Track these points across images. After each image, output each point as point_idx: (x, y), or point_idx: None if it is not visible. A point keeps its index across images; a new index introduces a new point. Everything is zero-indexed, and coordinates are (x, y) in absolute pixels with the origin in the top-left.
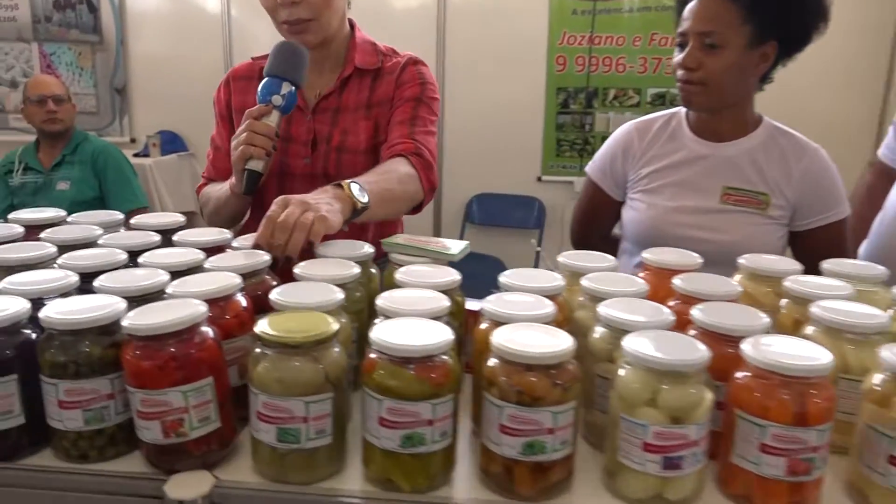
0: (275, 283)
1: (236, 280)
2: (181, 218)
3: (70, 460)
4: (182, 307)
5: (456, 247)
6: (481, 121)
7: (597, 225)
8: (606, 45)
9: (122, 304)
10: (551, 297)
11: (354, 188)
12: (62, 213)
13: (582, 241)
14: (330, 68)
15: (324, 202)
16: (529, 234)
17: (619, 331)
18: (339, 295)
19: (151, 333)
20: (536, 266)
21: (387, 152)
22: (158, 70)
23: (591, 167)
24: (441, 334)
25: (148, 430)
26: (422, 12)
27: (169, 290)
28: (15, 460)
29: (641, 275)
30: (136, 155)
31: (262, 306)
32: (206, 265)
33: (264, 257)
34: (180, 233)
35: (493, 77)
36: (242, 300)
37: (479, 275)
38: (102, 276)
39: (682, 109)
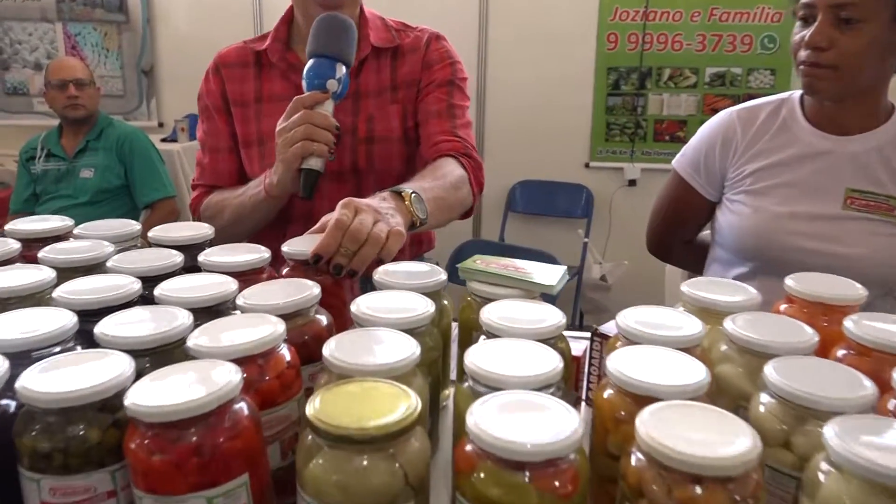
0: (325, 321)
1: (279, 328)
2: (209, 231)
3: None
4: (208, 375)
5: (551, 275)
6: (525, 102)
7: (682, 228)
8: (662, 22)
9: (129, 366)
10: (687, 350)
11: (415, 200)
12: (68, 222)
13: (661, 246)
14: None
15: (390, 214)
16: (576, 224)
17: (798, 408)
18: (416, 350)
19: (166, 420)
20: (583, 257)
21: (431, 150)
22: (187, 51)
23: (679, 161)
24: (565, 423)
25: None
26: None
27: (190, 342)
28: None
29: (782, 308)
30: (164, 140)
31: (309, 355)
32: (240, 301)
33: (314, 291)
34: (207, 252)
35: (538, 56)
36: (286, 353)
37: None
38: (106, 322)
39: (794, 94)
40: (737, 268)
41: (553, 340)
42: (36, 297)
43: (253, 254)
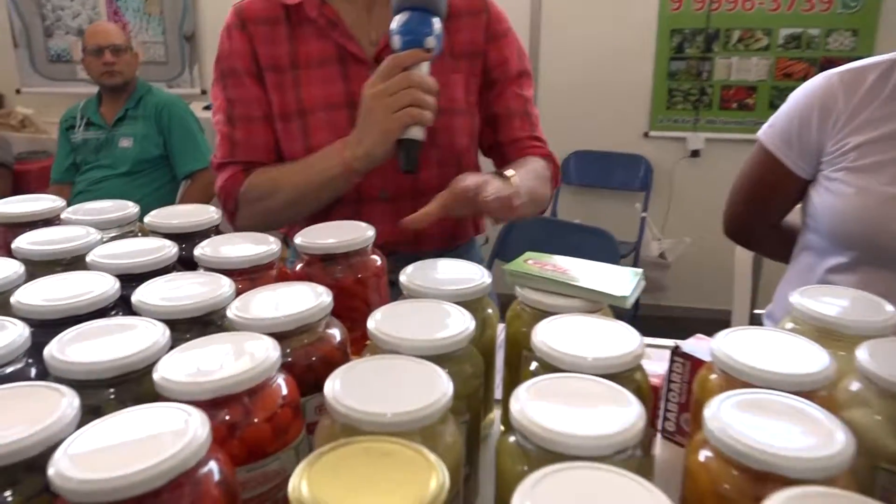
0: (338, 337)
1: (272, 354)
2: (216, 215)
3: None
4: (167, 428)
5: (622, 282)
6: (581, 67)
7: (767, 210)
8: None
9: (71, 409)
10: (808, 395)
11: (517, 182)
12: (59, 203)
13: (741, 229)
14: (383, 2)
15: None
16: (633, 198)
17: None
18: (447, 391)
19: (98, 501)
20: (641, 233)
21: (517, 153)
22: None
23: (767, 132)
24: None
25: None
26: None
27: (157, 375)
28: None
29: None
30: (206, 108)
31: (317, 381)
32: (230, 314)
33: (325, 300)
34: (205, 245)
35: (596, 17)
36: (283, 386)
37: (585, 249)
38: (62, 340)
39: None
40: (833, 257)
41: (628, 373)
42: None
43: (260, 246)
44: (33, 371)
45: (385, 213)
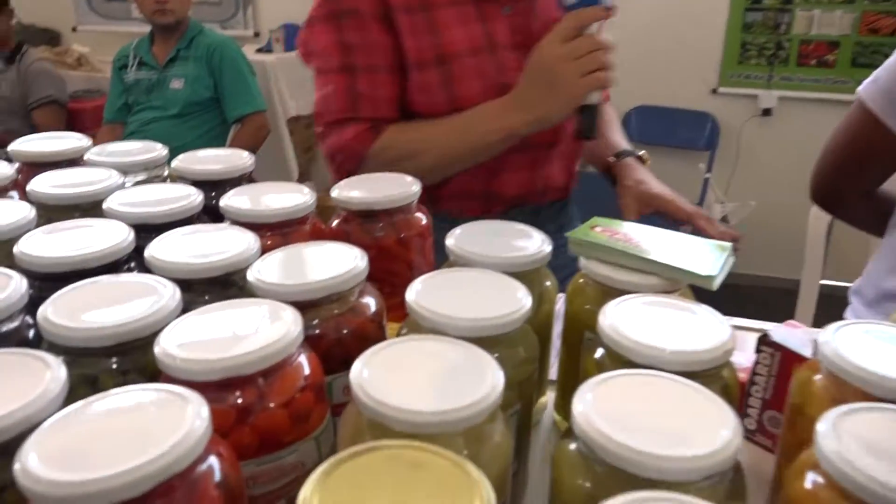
0: (373, 307)
1: (293, 329)
2: (249, 161)
3: None
4: (161, 416)
5: (706, 258)
6: (648, 16)
7: (862, 176)
8: None
9: (56, 381)
10: None
11: None
12: (85, 142)
13: (830, 195)
14: None
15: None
16: (697, 158)
17: None
18: (497, 383)
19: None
20: (703, 195)
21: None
22: None
23: (868, 89)
24: None
25: None
26: None
27: (157, 349)
28: None
29: None
30: (259, 50)
31: (347, 357)
32: (251, 277)
33: (359, 264)
34: (231, 195)
35: None
36: (304, 366)
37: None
38: (61, 300)
39: None
40: None
41: (716, 372)
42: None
43: (293, 197)
44: (32, 332)
45: (523, 162)
